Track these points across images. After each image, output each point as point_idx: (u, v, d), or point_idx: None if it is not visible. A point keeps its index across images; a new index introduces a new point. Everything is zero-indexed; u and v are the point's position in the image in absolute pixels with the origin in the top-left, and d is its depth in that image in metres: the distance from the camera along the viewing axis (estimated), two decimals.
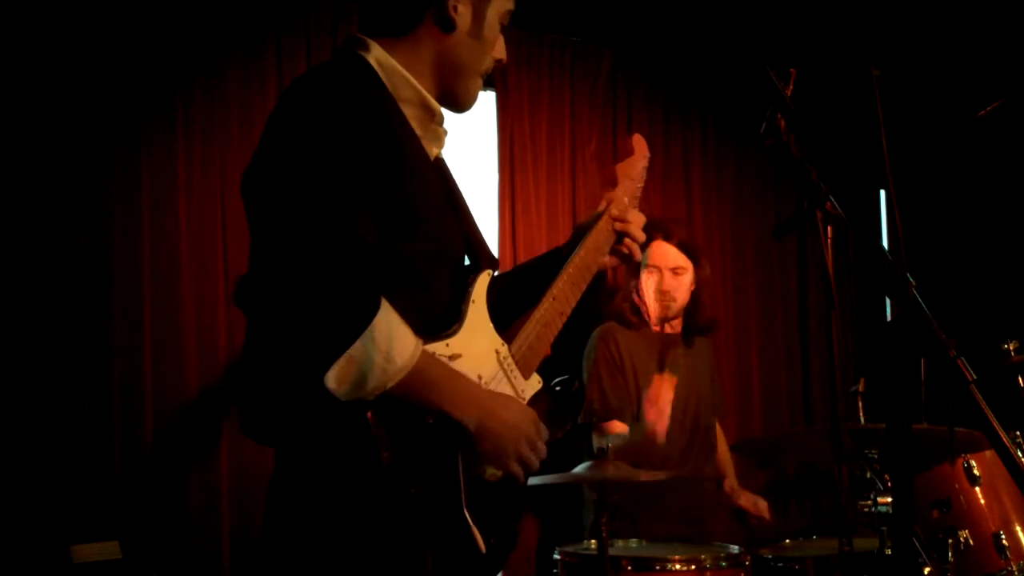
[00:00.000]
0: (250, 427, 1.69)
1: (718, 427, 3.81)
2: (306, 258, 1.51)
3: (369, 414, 1.54)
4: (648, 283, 3.58)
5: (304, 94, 1.68)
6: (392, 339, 1.53)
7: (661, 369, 3.49)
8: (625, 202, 2.13)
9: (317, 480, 1.61)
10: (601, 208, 2.12)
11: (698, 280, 3.63)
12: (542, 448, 1.77)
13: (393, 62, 1.78)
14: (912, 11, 4.39)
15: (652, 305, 3.57)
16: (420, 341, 1.59)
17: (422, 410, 1.60)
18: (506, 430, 1.68)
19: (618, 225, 2.09)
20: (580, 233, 2.09)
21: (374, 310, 1.52)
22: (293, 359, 1.54)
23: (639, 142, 2.24)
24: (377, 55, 1.78)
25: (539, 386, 1.91)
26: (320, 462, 1.61)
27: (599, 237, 2.07)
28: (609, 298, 3.72)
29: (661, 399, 3.27)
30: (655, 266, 3.57)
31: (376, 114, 1.67)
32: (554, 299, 1.95)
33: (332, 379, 1.50)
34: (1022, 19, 4.28)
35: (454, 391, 1.63)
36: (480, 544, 1.64)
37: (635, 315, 3.63)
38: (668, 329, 3.65)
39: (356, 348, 1.50)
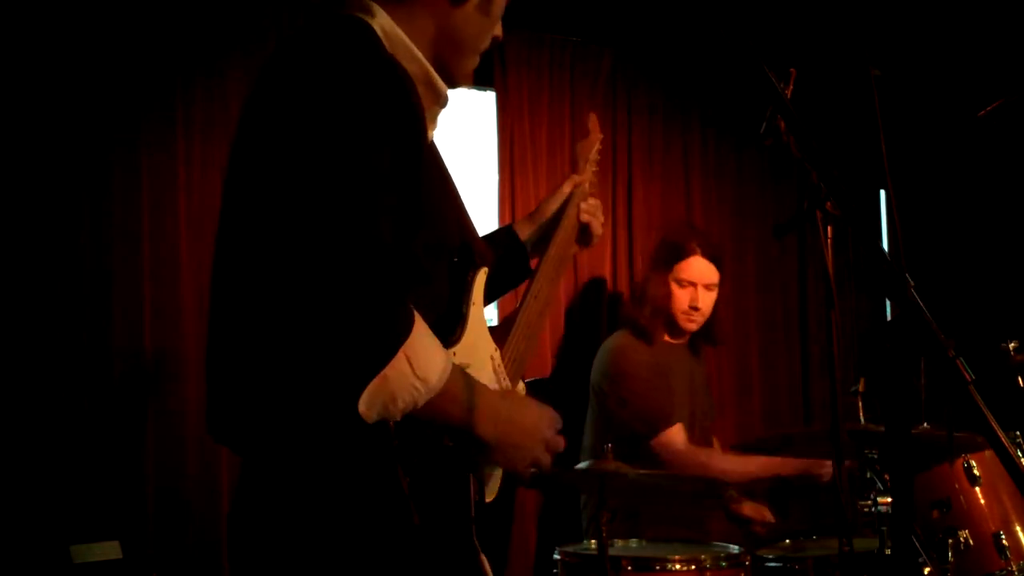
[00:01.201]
0: (222, 432, 1.54)
1: (715, 440, 3.80)
2: (336, 269, 1.32)
3: (395, 439, 1.41)
4: (681, 298, 3.53)
5: (318, 59, 1.45)
6: (426, 356, 1.39)
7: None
8: (587, 188, 2.11)
9: (314, 501, 1.44)
10: (567, 190, 2.09)
11: (719, 293, 3.63)
12: (559, 443, 1.65)
13: (399, 32, 1.57)
14: (912, 11, 4.38)
15: (680, 319, 3.54)
16: (449, 355, 1.46)
17: (444, 429, 1.47)
18: (525, 439, 1.58)
19: (585, 216, 2.07)
20: (548, 223, 2.06)
21: (410, 326, 1.37)
22: (315, 380, 1.36)
23: (593, 122, 2.23)
24: (383, 22, 1.56)
25: (523, 394, 1.84)
26: (319, 481, 1.43)
27: (568, 226, 2.04)
28: (635, 305, 3.65)
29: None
30: (690, 281, 3.52)
31: (401, 89, 1.46)
32: (535, 298, 1.89)
33: (364, 403, 1.34)
34: (1022, 19, 4.28)
35: (478, 405, 1.49)
36: (488, 573, 1.58)
37: (656, 329, 3.57)
38: (676, 340, 3.64)
39: (391, 367, 1.34)
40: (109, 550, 2.98)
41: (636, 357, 3.52)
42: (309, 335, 1.33)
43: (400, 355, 1.34)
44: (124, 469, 3.29)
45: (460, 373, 1.48)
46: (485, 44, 1.73)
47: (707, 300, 3.55)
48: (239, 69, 3.61)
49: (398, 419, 1.40)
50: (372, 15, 1.57)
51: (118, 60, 3.41)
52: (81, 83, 3.35)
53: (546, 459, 1.63)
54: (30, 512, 3.10)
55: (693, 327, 3.57)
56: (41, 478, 3.15)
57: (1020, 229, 4.67)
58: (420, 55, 1.60)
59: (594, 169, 2.19)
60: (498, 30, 1.75)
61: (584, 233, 2.09)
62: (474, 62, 1.74)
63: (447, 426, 1.47)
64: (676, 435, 3.42)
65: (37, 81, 3.29)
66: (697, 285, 3.53)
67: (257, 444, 1.51)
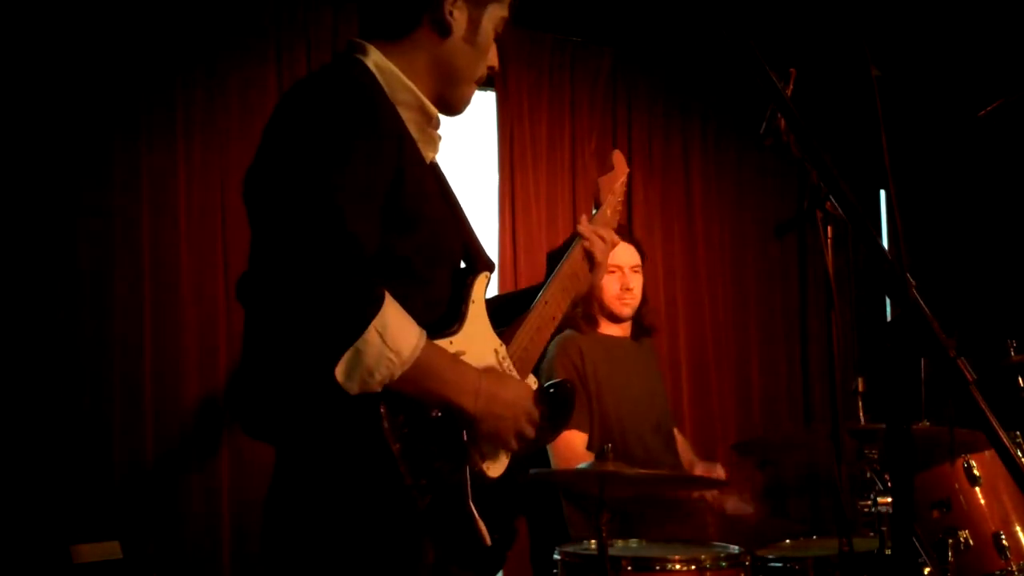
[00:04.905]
0: (250, 425, 1.71)
1: (677, 432, 3.79)
2: (307, 255, 1.53)
3: (382, 408, 1.56)
4: (611, 283, 3.57)
5: (302, 97, 1.71)
6: (398, 330, 1.56)
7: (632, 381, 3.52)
8: (607, 216, 2.19)
9: (323, 476, 1.62)
10: (584, 219, 2.16)
11: (644, 278, 3.68)
12: (537, 415, 1.81)
13: (391, 65, 1.80)
14: (912, 11, 4.39)
15: (614, 304, 3.57)
16: (424, 332, 1.62)
17: (428, 402, 1.63)
18: (507, 410, 1.73)
19: (585, 244, 2.14)
20: (567, 243, 2.15)
21: (379, 302, 1.54)
22: (299, 356, 1.56)
23: (619, 158, 2.31)
24: (375, 59, 1.80)
25: (535, 387, 1.93)
26: (326, 457, 1.62)
27: (582, 248, 2.12)
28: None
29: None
30: (617, 265, 3.58)
31: (374, 115, 1.69)
32: (546, 303, 2.00)
33: (341, 373, 1.52)
34: (1022, 19, 4.28)
35: (457, 379, 1.67)
36: (486, 536, 1.67)
37: (587, 320, 3.62)
38: (618, 332, 3.65)
39: (363, 340, 1.52)
40: (109, 550, 2.98)
41: (562, 354, 3.53)
42: (291, 321, 1.54)
43: (371, 329, 1.52)
44: (124, 469, 3.29)
45: (437, 350, 1.67)
46: (478, 73, 1.90)
47: (636, 282, 3.62)
48: (239, 69, 3.61)
49: (378, 391, 1.55)
50: (366, 54, 1.80)
51: (119, 60, 3.41)
52: (82, 83, 3.35)
53: (530, 431, 1.79)
54: (30, 512, 3.10)
55: (628, 311, 3.61)
56: (41, 478, 3.15)
57: (1020, 229, 4.67)
58: (411, 84, 1.81)
59: (619, 199, 2.26)
60: (493, 60, 1.92)
61: (589, 259, 2.15)
62: (470, 90, 1.91)
63: (432, 399, 1.64)
64: (569, 437, 3.43)
65: (38, 82, 3.29)
66: (624, 268, 3.58)
67: (273, 429, 1.69)
